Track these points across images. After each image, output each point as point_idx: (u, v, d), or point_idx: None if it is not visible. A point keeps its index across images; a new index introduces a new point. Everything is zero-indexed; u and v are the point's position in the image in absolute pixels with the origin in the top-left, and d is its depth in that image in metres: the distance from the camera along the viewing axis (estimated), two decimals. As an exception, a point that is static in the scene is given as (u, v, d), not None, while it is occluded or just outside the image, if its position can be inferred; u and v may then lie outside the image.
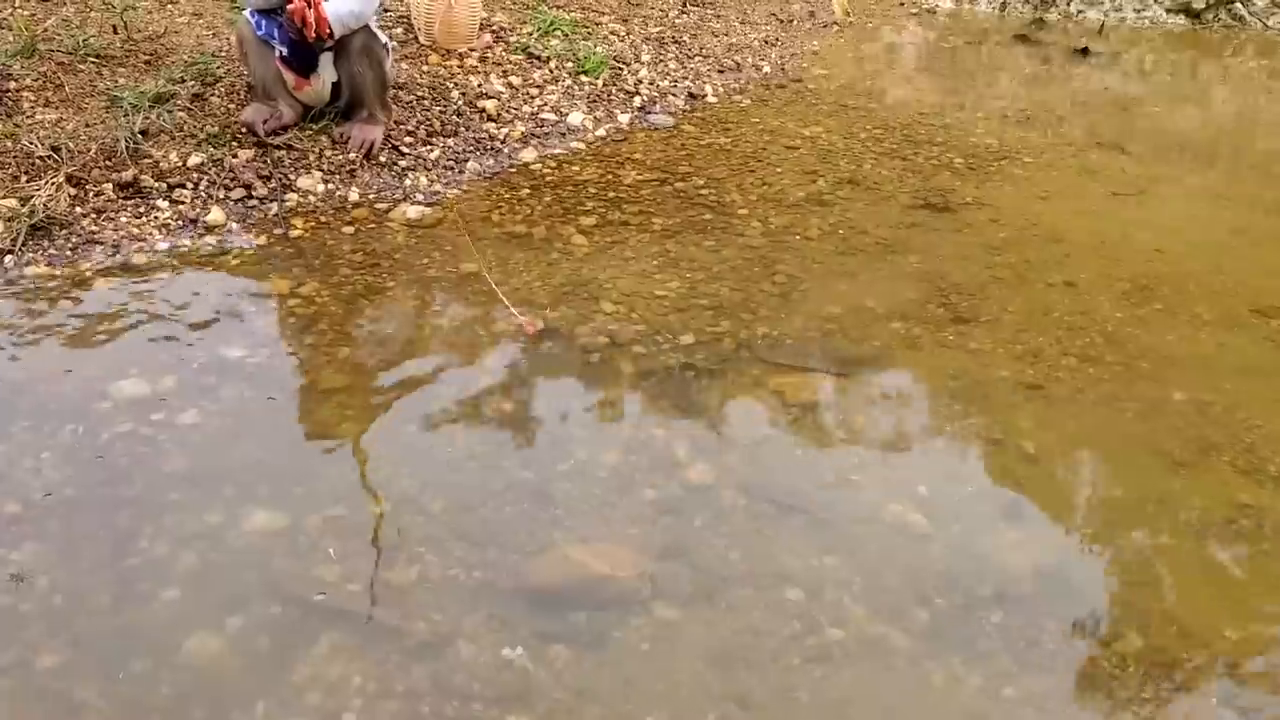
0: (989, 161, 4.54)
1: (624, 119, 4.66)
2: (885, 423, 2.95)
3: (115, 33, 4.28)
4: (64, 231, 3.42)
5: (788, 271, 3.59)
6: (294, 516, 2.43)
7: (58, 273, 3.26)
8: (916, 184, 4.27)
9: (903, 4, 6.68)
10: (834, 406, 2.99)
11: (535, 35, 5.08)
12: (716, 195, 4.06)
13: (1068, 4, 6.68)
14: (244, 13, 3.87)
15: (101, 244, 3.41)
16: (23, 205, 3.41)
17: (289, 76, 3.88)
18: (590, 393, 2.96)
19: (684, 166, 4.28)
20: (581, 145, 4.42)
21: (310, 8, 3.58)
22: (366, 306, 3.24)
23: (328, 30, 3.66)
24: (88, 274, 3.27)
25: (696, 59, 5.30)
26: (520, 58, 4.89)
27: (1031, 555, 2.54)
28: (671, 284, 3.47)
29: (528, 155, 4.27)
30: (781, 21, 6.02)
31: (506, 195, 3.97)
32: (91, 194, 3.55)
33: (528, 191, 4.00)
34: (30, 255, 3.30)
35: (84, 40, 4.13)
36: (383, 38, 4.02)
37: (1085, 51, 6.12)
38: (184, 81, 4.09)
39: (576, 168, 4.21)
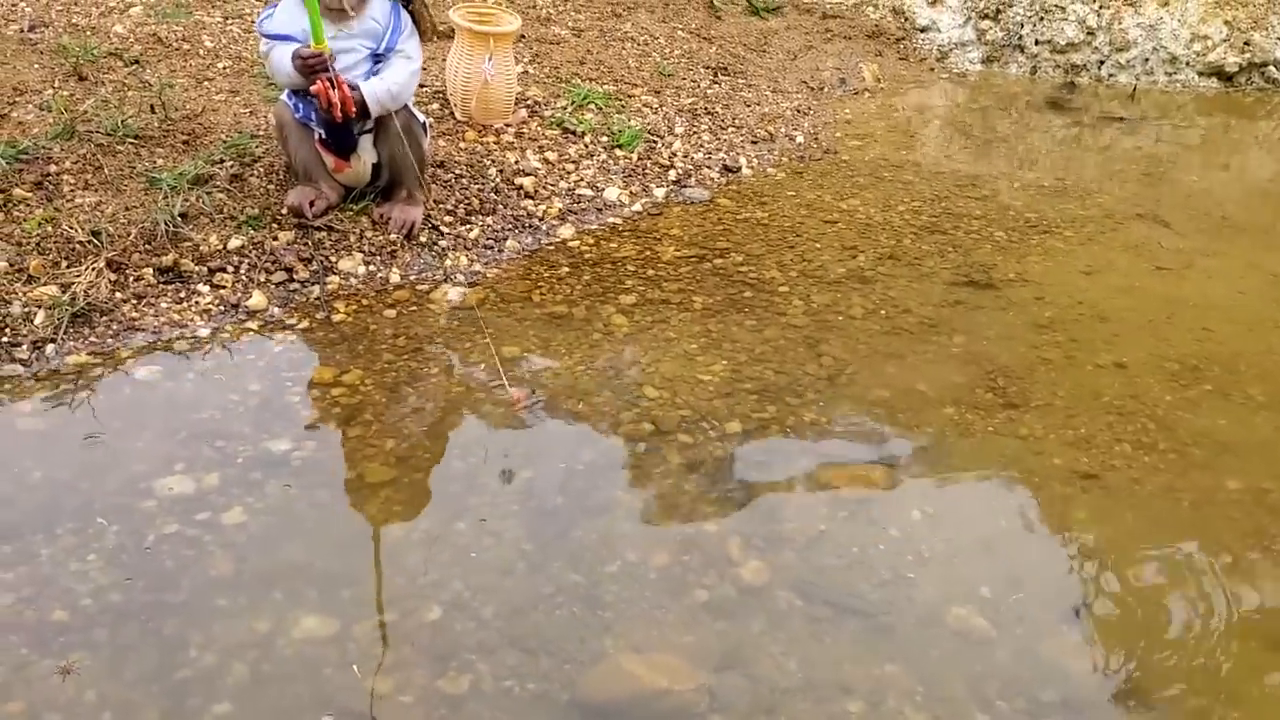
0: (1029, 235, 4.50)
1: (660, 193, 4.64)
2: (941, 516, 2.89)
3: (153, 112, 4.30)
4: (104, 318, 3.41)
5: (833, 353, 3.56)
6: (344, 622, 2.40)
7: (99, 362, 3.24)
8: (958, 259, 4.24)
9: (932, 69, 6.68)
10: (887, 499, 2.94)
11: (570, 109, 5.09)
12: (756, 272, 4.03)
13: (1098, 67, 6.66)
14: (282, 95, 3.88)
15: (143, 330, 3.40)
16: (63, 292, 3.40)
17: (329, 159, 3.88)
18: (638, 486, 2.92)
19: (722, 242, 4.25)
20: (618, 220, 4.40)
21: (334, 88, 3.58)
22: (410, 395, 3.21)
23: (355, 111, 3.67)
24: (129, 362, 3.26)
25: (730, 130, 5.29)
26: (555, 132, 4.90)
27: (1096, 659, 2.48)
28: (715, 367, 3.43)
29: (566, 232, 4.26)
30: (813, 89, 6.02)
31: (546, 274, 3.95)
32: (132, 279, 3.54)
33: (567, 270, 3.98)
34: (71, 344, 3.29)
35: (122, 121, 4.14)
36: (420, 116, 4.03)
37: (1119, 119, 6.09)
38: (222, 162, 4.10)
39: (614, 244, 4.19)
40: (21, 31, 4.97)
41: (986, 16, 6.82)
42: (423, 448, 3.00)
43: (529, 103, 5.12)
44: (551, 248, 4.16)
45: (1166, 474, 3.09)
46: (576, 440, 3.06)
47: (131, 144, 4.11)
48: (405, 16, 3.85)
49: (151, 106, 4.31)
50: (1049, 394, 3.42)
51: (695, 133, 5.19)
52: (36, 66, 4.61)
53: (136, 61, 4.79)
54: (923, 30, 6.95)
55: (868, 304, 3.87)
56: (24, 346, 3.25)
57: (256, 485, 2.78)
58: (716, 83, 5.81)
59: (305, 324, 3.52)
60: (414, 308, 3.68)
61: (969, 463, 3.12)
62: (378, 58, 3.78)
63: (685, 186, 4.72)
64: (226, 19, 5.51)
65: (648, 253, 4.14)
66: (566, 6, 6.63)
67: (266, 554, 2.58)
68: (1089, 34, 6.64)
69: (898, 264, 4.17)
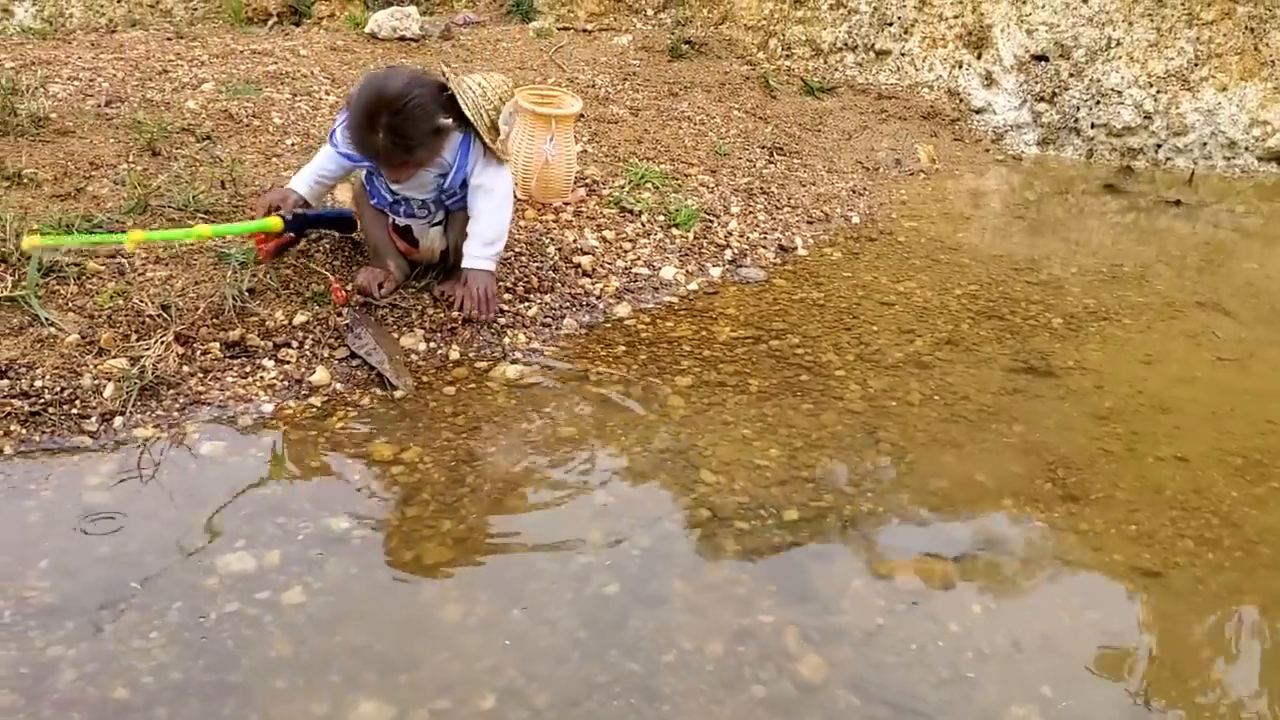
0: (1088, 322, 4.48)
1: (715, 272, 4.68)
2: (1001, 612, 2.85)
3: (223, 188, 4.41)
4: (171, 392, 3.47)
5: (891, 440, 3.54)
6: (401, 708, 2.40)
7: (164, 435, 3.30)
8: (1016, 346, 4.22)
9: (988, 150, 6.71)
10: (946, 593, 2.90)
11: (627, 188, 5.16)
12: (812, 355, 4.04)
13: (1155, 151, 6.66)
14: (360, 175, 3.97)
15: (208, 405, 3.46)
16: (132, 365, 3.47)
17: (400, 243, 3.97)
18: (694, 573, 2.91)
19: (778, 323, 4.27)
20: (675, 299, 4.44)
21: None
22: (468, 474, 3.23)
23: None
24: (194, 436, 3.31)
25: (785, 210, 5.34)
26: (613, 211, 4.96)
27: (1162, 767, 2.42)
28: (771, 452, 3.43)
29: (622, 310, 4.30)
30: (868, 169, 6.06)
31: (603, 353, 3.98)
32: (199, 353, 3.61)
33: (623, 349, 4.01)
34: (139, 416, 3.35)
35: (193, 197, 4.25)
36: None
37: (1176, 203, 6.07)
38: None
39: (670, 323, 4.22)
40: (98, 106, 5.13)
41: (1043, 99, 6.85)
42: (480, 530, 3.01)
43: (587, 181, 5.19)
44: (608, 326, 4.19)
45: (1232, 572, 3.04)
46: (633, 525, 3.06)
47: (202, 219, 4.21)
48: (477, 146, 3.85)
49: (222, 182, 4.42)
50: (1109, 487, 3.38)
51: (751, 212, 5.24)
52: (112, 141, 4.76)
53: (208, 137, 4.93)
54: (978, 112, 6.99)
55: (925, 390, 3.86)
56: (93, 419, 3.32)
57: (316, 564, 2.81)
58: (772, 162, 5.87)
59: (367, 400, 3.56)
60: (472, 385, 3.71)
61: (1029, 556, 3.08)
62: (448, 194, 3.90)
63: (741, 266, 4.75)
64: (295, 95, 5.66)
65: (704, 333, 4.16)
66: (625, 86, 6.74)
67: (325, 635, 2.59)
68: (1146, 118, 6.65)
69: (955, 349, 4.17)
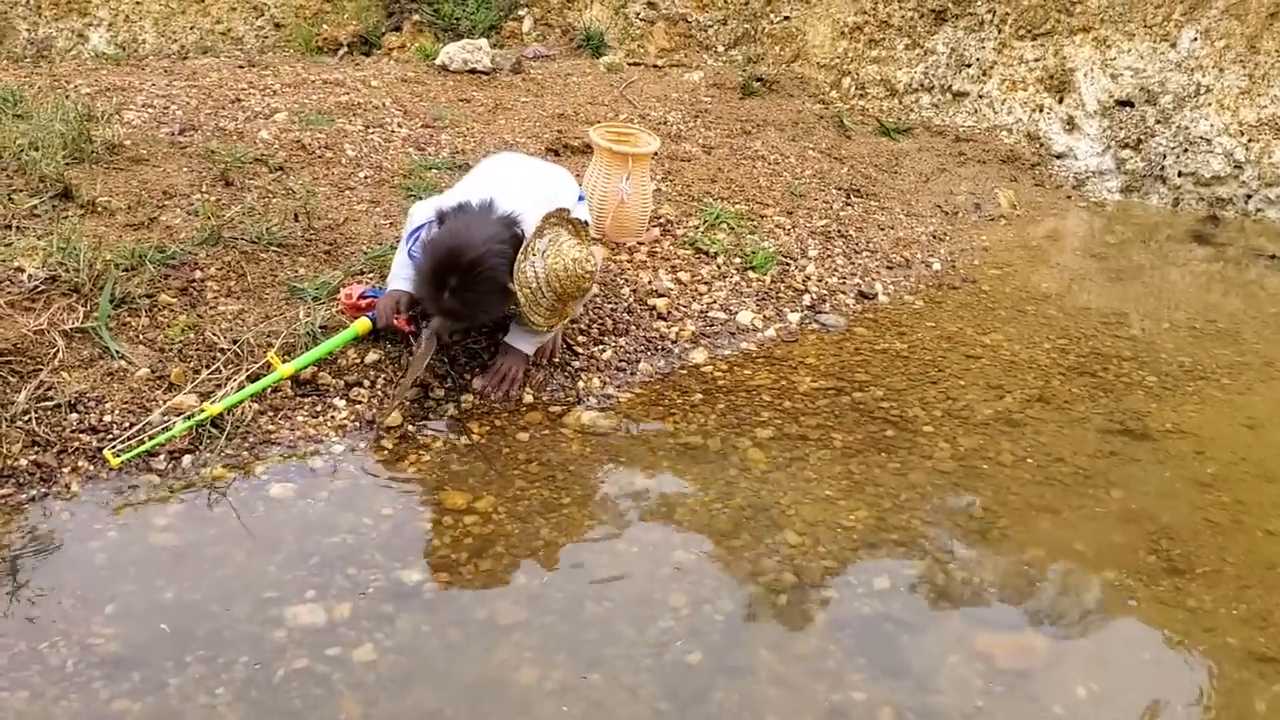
0: (1184, 381, 4.28)
1: (794, 318, 4.54)
2: (1107, 696, 2.68)
3: (296, 220, 4.34)
4: (241, 429, 3.39)
5: (983, 504, 3.38)
6: (475, 781, 2.27)
7: (234, 476, 3.21)
8: (1109, 405, 4.04)
9: (1069, 197, 6.52)
10: (1048, 673, 2.74)
11: (702, 229, 5.04)
12: (899, 409, 3.88)
13: (1245, 201, 6.43)
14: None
15: (278, 445, 3.37)
16: (202, 401, 3.40)
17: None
18: (781, 642, 2.76)
19: (860, 374, 4.12)
20: (752, 346, 4.30)
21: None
22: (543, 526, 3.12)
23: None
24: (264, 478, 3.22)
25: (864, 254, 5.19)
26: (688, 252, 4.84)
27: None
28: (858, 513, 3.28)
29: (698, 356, 4.17)
30: (947, 214, 5.90)
31: (679, 400, 3.85)
32: (269, 391, 3.52)
33: (700, 397, 3.88)
34: (208, 455, 3.27)
35: (267, 229, 4.18)
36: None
37: (1271, 257, 5.85)
38: (363, 273, 4.11)
39: (749, 371, 4.09)
40: (172, 135, 5.11)
41: (1127, 146, 6.66)
42: (555, 587, 2.89)
43: (661, 221, 5.08)
44: (684, 372, 4.07)
45: (1356, 662, 2.84)
46: (715, 588, 2.92)
47: (275, 251, 4.14)
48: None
49: (295, 215, 4.36)
50: (1217, 560, 3.20)
51: (829, 256, 5.10)
52: (185, 170, 4.72)
53: (281, 168, 4.88)
54: (1059, 157, 6.81)
55: (1018, 450, 3.69)
56: (161, 456, 3.24)
57: (387, 620, 2.70)
58: (849, 204, 5.73)
59: (439, 444, 3.46)
60: (546, 430, 3.60)
61: (1135, 635, 2.91)
62: None
63: (820, 312, 4.61)
64: (368, 127, 5.61)
65: (783, 382, 4.02)
66: (697, 123, 6.64)
67: (396, 697, 2.48)
68: (1236, 167, 6.43)
69: (1047, 407, 3.99)
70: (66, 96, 5.38)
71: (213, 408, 3.32)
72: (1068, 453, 3.71)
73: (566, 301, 3.57)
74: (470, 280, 3.42)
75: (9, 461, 3.12)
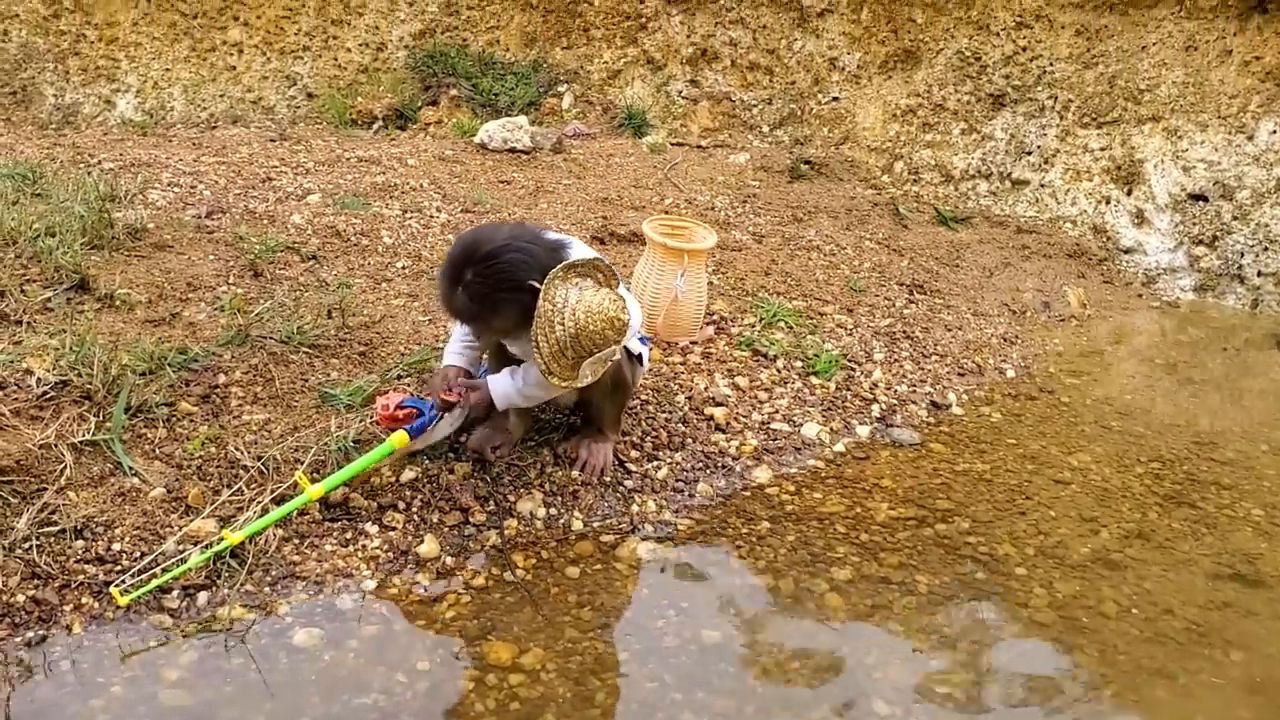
0: (1296, 515, 3.91)
1: (863, 431, 4.18)
2: None
3: (329, 317, 4.03)
4: (264, 560, 3.05)
5: (1089, 666, 3.00)
6: None
7: (255, 617, 2.87)
8: (1215, 544, 3.66)
9: (1140, 295, 6.17)
10: None
11: (759, 327, 4.71)
12: (987, 546, 3.51)
13: (1327, 303, 6.08)
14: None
15: (304, 579, 3.02)
16: (222, 527, 3.06)
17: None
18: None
19: (942, 500, 3.75)
20: (820, 464, 3.94)
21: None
22: (598, 689, 2.75)
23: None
24: (287, 619, 2.88)
25: (933, 358, 4.84)
26: (745, 354, 4.51)
27: None
28: (954, 678, 2.91)
29: (762, 475, 3.81)
30: (1015, 312, 5.56)
31: (744, 530, 3.49)
32: (295, 516, 3.18)
33: (767, 526, 3.52)
34: (226, 590, 2.93)
35: (298, 329, 3.87)
36: (638, 347, 3.60)
37: (1365, 366, 5.48)
38: (399, 379, 3.79)
39: (819, 495, 3.73)
40: (199, 218, 4.83)
41: (1201, 242, 6.31)
42: (617, 768, 2.52)
43: (715, 318, 4.76)
44: (747, 494, 3.71)
45: None
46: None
47: (306, 353, 3.83)
48: None
49: (329, 311, 4.05)
50: (1366, 745, 2.81)
51: (896, 360, 4.75)
52: (212, 258, 4.42)
53: (314, 257, 4.58)
54: (1127, 252, 6.48)
55: (1120, 599, 3.31)
56: (175, 592, 2.90)
57: (427, 811, 2.33)
58: (913, 301, 5.39)
59: (480, 580, 3.11)
60: (598, 565, 3.25)
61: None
62: None
63: (891, 425, 4.25)
64: (405, 212, 5.33)
65: (858, 509, 3.66)
66: (745, 209, 6.35)
67: None
68: (1319, 267, 6.08)
69: (1147, 545, 3.62)
70: (88, 173, 5.12)
71: (233, 536, 2.98)
72: (1176, 602, 3.32)
73: (590, 349, 3.14)
74: (485, 273, 3.05)
75: (5, 598, 2.79)
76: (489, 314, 3.14)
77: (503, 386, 3.34)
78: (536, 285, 3.07)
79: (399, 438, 3.26)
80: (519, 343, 3.34)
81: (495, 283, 3.07)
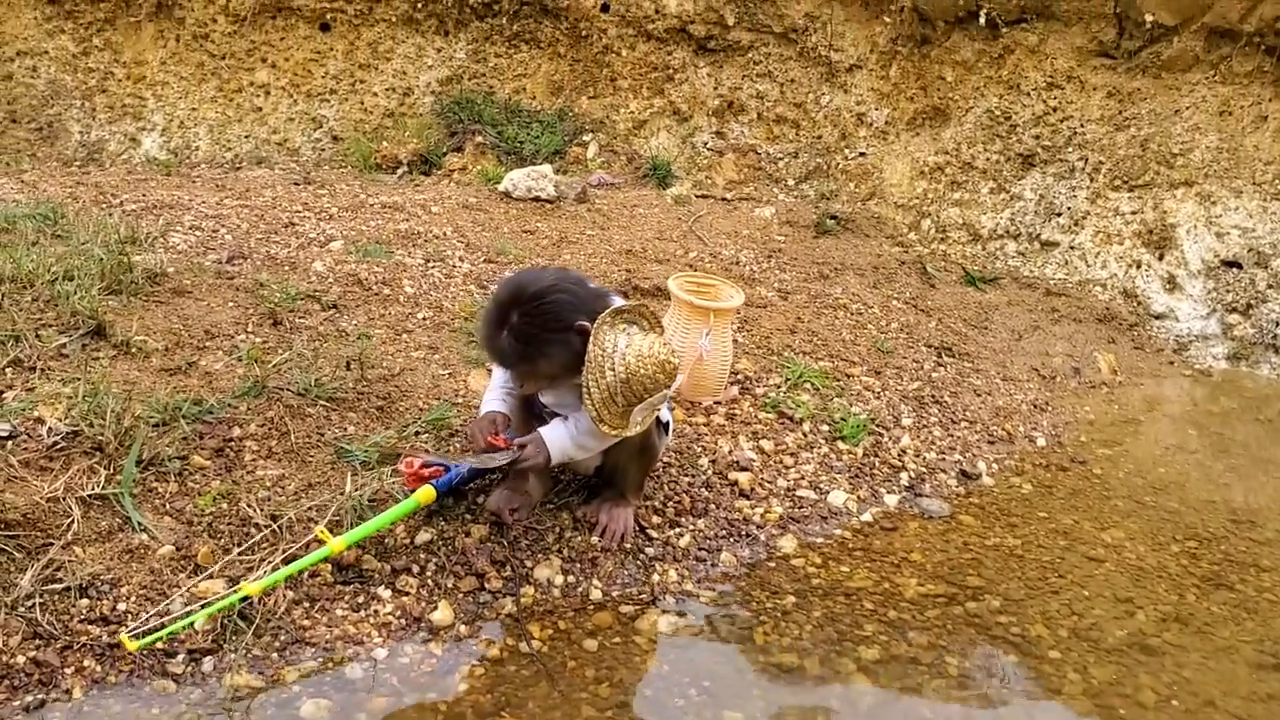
0: (1340, 601, 3.77)
1: (891, 501, 4.07)
2: None
3: (348, 369, 3.95)
4: (271, 624, 2.95)
5: (1131, 762, 2.87)
6: None
7: (261, 686, 2.76)
8: (1256, 629, 3.53)
9: (1171, 362, 6.05)
10: None
11: (784, 388, 4.61)
12: (1019, 626, 3.39)
13: (1362, 374, 5.95)
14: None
15: (313, 645, 2.92)
16: (230, 587, 2.96)
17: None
18: None
19: (972, 577, 3.63)
20: (846, 534, 3.83)
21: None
22: (623, 777, 2.63)
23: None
24: (295, 688, 2.78)
25: (962, 424, 4.73)
26: (770, 416, 4.41)
27: None
28: (988, 770, 2.78)
29: (787, 545, 3.70)
30: (1044, 378, 5.45)
31: (769, 604, 3.38)
32: (306, 576, 3.09)
33: (793, 600, 3.40)
34: (232, 656, 2.83)
35: (316, 381, 3.79)
36: (665, 415, 3.53)
37: (1403, 441, 5.34)
38: (418, 435, 3.70)
39: (846, 568, 3.61)
40: (219, 263, 4.77)
41: (1234, 310, 6.20)
42: None
43: (739, 377, 4.66)
44: (772, 564, 3.60)
45: None
46: None
47: (323, 406, 3.74)
48: None
49: (348, 363, 3.97)
50: None
51: (925, 426, 4.65)
52: (231, 305, 4.36)
53: (334, 306, 4.51)
54: (1158, 317, 6.36)
55: (1159, 687, 3.18)
56: (180, 657, 2.81)
57: None
58: (941, 364, 5.29)
59: (495, 651, 3.00)
60: (617, 639, 3.14)
61: None
62: None
63: (920, 495, 4.14)
64: (428, 261, 5.26)
65: (886, 584, 3.54)
66: (770, 264, 6.27)
67: None
68: (1355, 339, 5.96)
69: (1185, 630, 3.49)
70: (110, 214, 5.07)
71: (251, 587, 2.88)
72: (1218, 693, 3.19)
73: (640, 395, 3.09)
74: (533, 313, 3.00)
75: (5, 659, 2.70)
76: (536, 356, 3.08)
77: (558, 436, 3.23)
78: (586, 325, 3.01)
79: (426, 493, 3.17)
80: (558, 391, 3.27)
81: (543, 323, 3.02)
